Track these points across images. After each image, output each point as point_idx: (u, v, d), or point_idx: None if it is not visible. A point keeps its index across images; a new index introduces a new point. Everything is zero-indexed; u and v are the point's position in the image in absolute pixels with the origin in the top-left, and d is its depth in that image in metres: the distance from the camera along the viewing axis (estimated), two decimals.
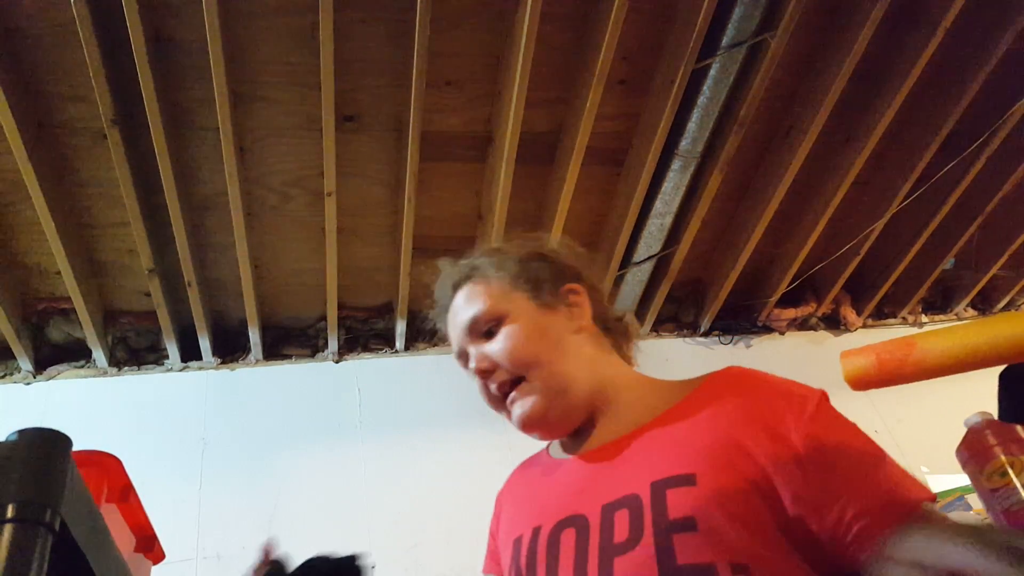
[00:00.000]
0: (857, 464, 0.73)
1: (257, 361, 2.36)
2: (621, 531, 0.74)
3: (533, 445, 1.01)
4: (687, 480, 0.73)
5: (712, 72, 1.91)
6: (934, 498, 0.71)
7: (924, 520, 0.67)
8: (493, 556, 0.99)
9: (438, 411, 2.33)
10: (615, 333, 1.00)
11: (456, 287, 1.00)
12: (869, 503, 0.69)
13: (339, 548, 0.95)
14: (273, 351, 2.39)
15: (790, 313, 2.81)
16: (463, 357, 0.96)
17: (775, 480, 0.72)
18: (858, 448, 0.75)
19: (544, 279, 0.96)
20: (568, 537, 0.78)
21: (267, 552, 0.93)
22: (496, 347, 0.90)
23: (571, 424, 0.91)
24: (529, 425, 0.89)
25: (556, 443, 0.97)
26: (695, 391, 0.85)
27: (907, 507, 0.69)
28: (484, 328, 0.93)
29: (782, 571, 0.69)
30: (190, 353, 2.30)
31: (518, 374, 0.89)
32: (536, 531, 0.83)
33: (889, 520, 0.67)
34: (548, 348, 0.90)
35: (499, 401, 0.92)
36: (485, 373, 0.91)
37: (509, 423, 0.94)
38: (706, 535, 0.69)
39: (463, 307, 0.96)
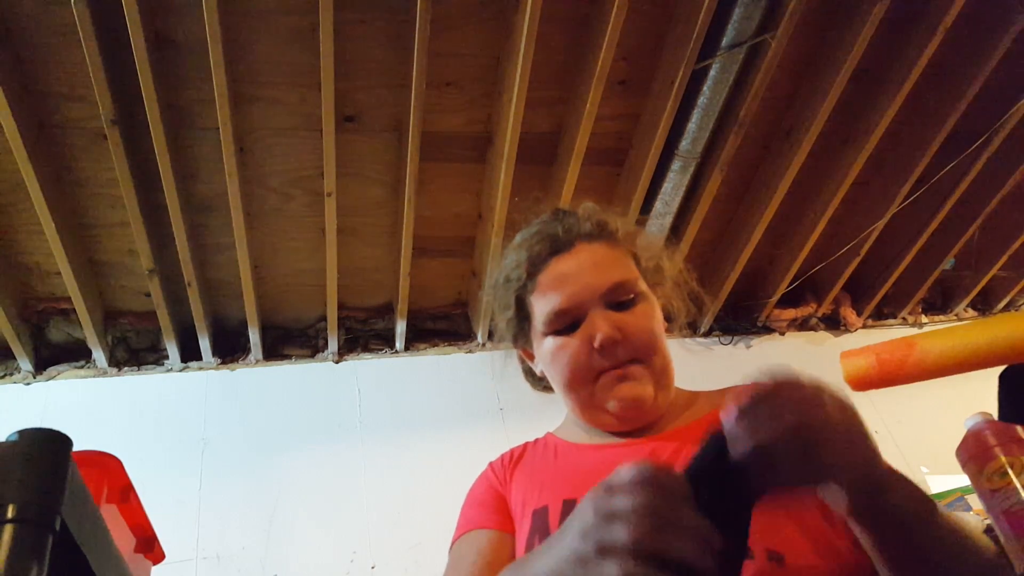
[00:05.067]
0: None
1: (257, 361, 2.36)
2: None
3: None
4: None
5: (712, 72, 1.91)
6: None
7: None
8: (495, 510, 0.90)
9: (438, 411, 2.33)
10: None
11: (584, 238, 0.91)
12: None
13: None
14: (273, 351, 2.39)
15: (790, 313, 2.81)
16: (571, 314, 0.87)
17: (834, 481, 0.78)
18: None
19: (662, 281, 0.96)
20: None
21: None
22: (637, 323, 0.86)
23: (655, 417, 0.89)
24: (635, 406, 0.85)
25: (572, 431, 0.96)
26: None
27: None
28: (623, 297, 0.87)
29: (817, 564, 0.71)
30: (190, 353, 2.30)
31: (641, 356, 0.86)
32: (568, 503, 0.81)
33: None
34: (665, 344, 0.89)
35: (593, 373, 0.86)
36: (613, 342, 0.84)
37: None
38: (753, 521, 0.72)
39: (600, 265, 0.88)
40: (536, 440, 1.00)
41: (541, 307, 0.89)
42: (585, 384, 0.87)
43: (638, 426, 0.89)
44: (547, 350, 0.89)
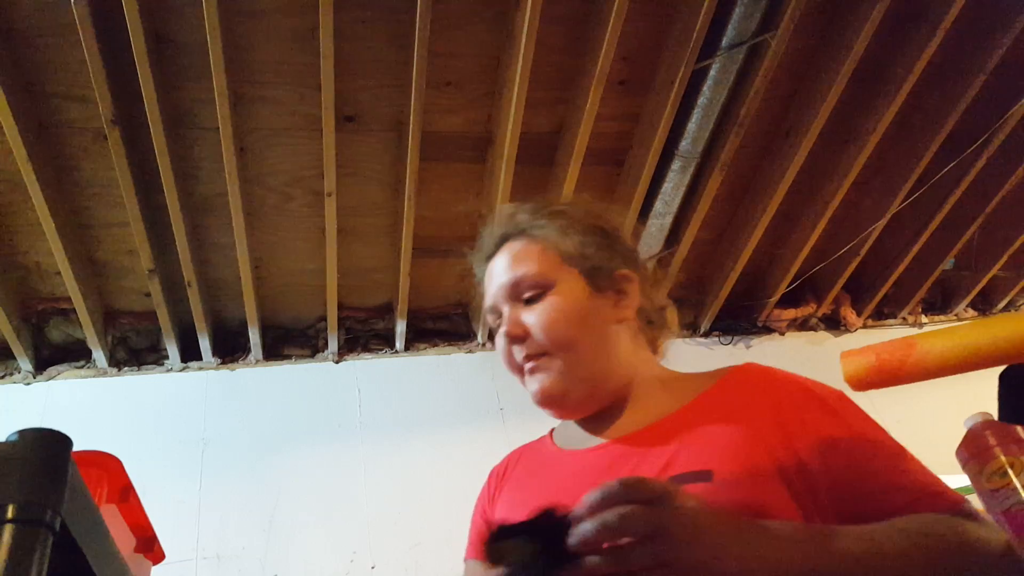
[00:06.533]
0: (892, 457, 0.76)
1: (257, 361, 2.36)
2: None
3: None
4: (703, 476, 0.73)
5: (712, 72, 1.91)
6: (962, 498, 0.74)
7: (967, 515, 0.71)
8: (481, 540, 0.96)
9: (438, 411, 2.33)
10: (654, 326, 0.97)
11: (506, 238, 0.94)
12: (915, 493, 0.73)
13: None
14: (273, 351, 2.39)
15: (790, 313, 2.81)
16: (494, 312, 0.92)
17: (810, 476, 0.73)
18: (888, 442, 0.78)
19: (601, 258, 0.91)
20: None
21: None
22: (534, 319, 0.86)
23: (587, 411, 0.89)
24: (544, 402, 0.87)
25: (563, 432, 0.95)
26: (714, 387, 0.85)
27: (948, 502, 0.73)
28: (526, 293, 0.88)
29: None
30: (190, 353, 2.30)
31: (548, 350, 0.86)
32: None
33: (934, 510, 0.71)
34: (585, 334, 0.86)
35: (519, 368, 0.89)
36: (515, 339, 0.87)
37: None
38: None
39: (509, 264, 0.91)
40: (534, 443, 1.00)
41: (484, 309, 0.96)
42: (517, 376, 0.90)
43: (590, 414, 0.89)
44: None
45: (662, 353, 0.99)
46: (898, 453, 0.77)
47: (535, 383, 0.87)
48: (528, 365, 0.87)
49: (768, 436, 0.75)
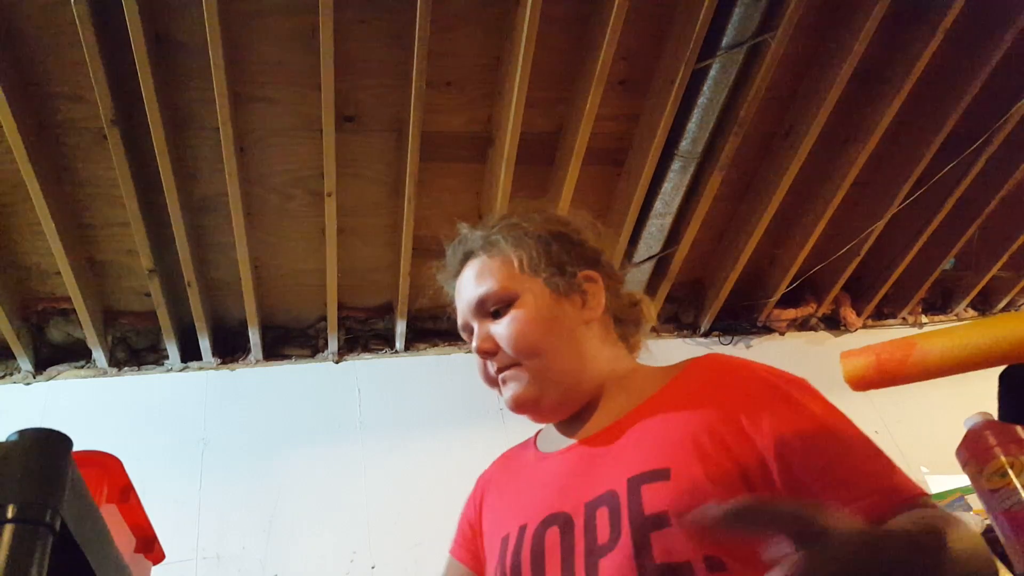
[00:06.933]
0: (846, 449, 0.73)
1: (257, 361, 2.36)
2: (603, 531, 0.74)
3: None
4: (661, 475, 0.73)
5: (712, 72, 1.91)
6: (922, 492, 0.70)
7: (923, 508, 0.67)
8: (465, 543, 0.97)
9: (438, 411, 2.33)
10: (625, 322, 0.97)
11: (468, 256, 0.97)
12: (867, 488, 0.69)
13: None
14: (273, 351, 2.39)
15: (790, 314, 2.81)
16: (467, 330, 0.95)
17: (765, 468, 0.72)
18: (846, 433, 0.75)
19: (561, 263, 0.92)
20: (552, 536, 0.78)
21: None
22: (501, 331, 0.89)
23: (561, 414, 0.91)
24: (517, 407, 0.89)
25: (545, 433, 0.96)
26: (673, 380, 0.85)
27: (905, 496, 0.69)
28: (491, 308, 0.91)
29: (760, 562, 0.69)
30: (190, 353, 2.30)
31: (519, 360, 0.88)
32: (522, 529, 0.83)
33: (888, 506, 0.67)
34: (553, 339, 0.88)
35: (495, 381, 0.92)
36: (486, 354, 0.90)
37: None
38: (680, 530, 0.68)
39: (472, 282, 0.93)
40: (518, 446, 1.01)
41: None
42: (495, 389, 0.93)
43: (566, 417, 0.90)
44: None
45: (639, 348, 1.00)
46: (852, 443, 0.74)
47: (508, 391, 0.89)
48: (500, 377, 0.90)
49: (723, 431, 0.74)
